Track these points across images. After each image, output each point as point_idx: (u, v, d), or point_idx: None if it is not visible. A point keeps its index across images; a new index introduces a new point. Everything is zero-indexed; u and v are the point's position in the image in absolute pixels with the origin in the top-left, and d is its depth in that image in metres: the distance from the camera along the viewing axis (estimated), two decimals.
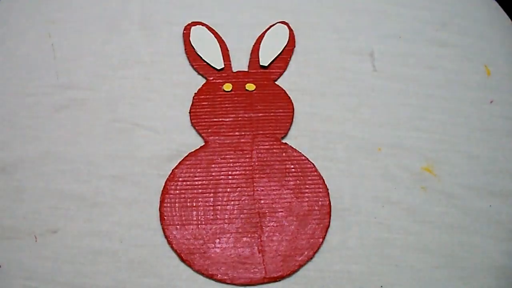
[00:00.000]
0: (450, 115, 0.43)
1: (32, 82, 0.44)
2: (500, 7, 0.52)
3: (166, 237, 0.36)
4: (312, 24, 0.48)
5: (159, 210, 0.37)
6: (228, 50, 0.46)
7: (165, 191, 0.38)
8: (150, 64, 0.45)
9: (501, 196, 0.39)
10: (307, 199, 0.38)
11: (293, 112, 0.42)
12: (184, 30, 0.47)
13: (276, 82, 0.44)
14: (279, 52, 0.46)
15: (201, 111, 0.42)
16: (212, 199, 0.38)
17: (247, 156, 0.40)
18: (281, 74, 0.44)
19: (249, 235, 0.36)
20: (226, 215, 0.37)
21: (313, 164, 0.40)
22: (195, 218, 0.37)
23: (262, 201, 0.38)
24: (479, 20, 0.50)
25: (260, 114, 0.42)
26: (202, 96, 0.43)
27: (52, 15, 0.48)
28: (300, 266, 0.35)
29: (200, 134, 0.41)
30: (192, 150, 0.40)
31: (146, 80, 0.44)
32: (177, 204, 0.38)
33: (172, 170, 0.39)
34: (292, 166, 0.39)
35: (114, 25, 0.47)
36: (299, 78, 0.44)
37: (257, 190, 0.38)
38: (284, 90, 0.43)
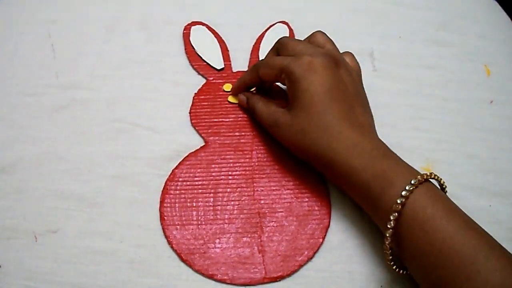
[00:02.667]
0: (450, 115, 0.44)
1: (32, 82, 0.44)
2: (500, 7, 0.52)
3: (166, 237, 0.36)
4: (312, 24, 0.48)
5: (159, 210, 0.37)
6: (228, 50, 0.46)
7: (165, 191, 0.38)
8: (150, 64, 0.45)
9: (501, 196, 0.39)
10: (307, 199, 0.38)
11: None
12: (184, 30, 0.47)
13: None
14: None
15: (201, 111, 0.42)
16: (212, 199, 0.38)
17: (247, 156, 0.40)
18: None
19: (249, 235, 0.36)
20: (226, 215, 0.37)
21: None
22: (195, 218, 0.37)
23: (262, 201, 0.38)
24: (479, 20, 0.50)
25: None
26: (202, 96, 0.43)
27: (52, 15, 0.48)
28: (300, 266, 0.35)
29: (200, 134, 0.41)
30: (192, 150, 0.40)
31: (146, 80, 0.44)
32: (177, 204, 0.38)
33: (172, 170, 0.39)
34: (292, 166, 0.39)
35: (114, 25, 0.47)
36: None
37: (257, 190, 0.38)
38: (284, 90, 0.43)
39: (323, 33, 0.40)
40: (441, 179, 0.34)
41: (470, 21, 0.50)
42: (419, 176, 0.32)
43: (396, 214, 0.31)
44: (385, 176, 0.32)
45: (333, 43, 0.40)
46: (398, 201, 0.31)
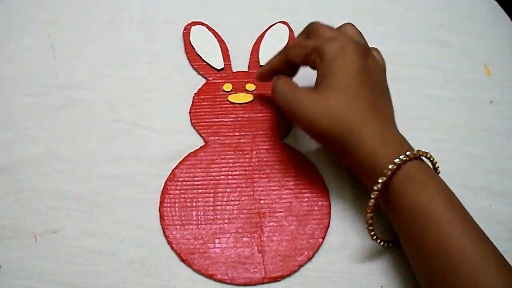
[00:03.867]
0: (450, 115, 0.44)
1: (32, 82, 0.44)
2: (500, 7, 0.52)
3: (166, 237, 0.36)
4: None
5: (159, 210, 0.37)
6: (228, 50, 0.46)
7: (165, 191, 0.38)
8: (150, 64, 0.45)
9: (501, 196, 0.39)
10: (307, 199, 0.38)
11: None
12: (184, 30, 0.47)
13: None
14: None
15: (201, 111, 0.42)
16: (212, 199, 0.38)
17: (247, 156, 0.40)
18: None
19: (249, 235, 0.36)
20: (226, 215, 0.37)
21: (313, 164, 0.40)
22: (195, 218, 0.37)
23: (262, 201, 0.38)
24: (479, 20, 0.50)
25: (260, 114, 0.42)
26: (202, 96, 0.43)
27: (52, 15, 0.48)
28: (300, 266, 0.35)
29: (200, 134, 0.41)
30: (192, 150, 0.40)
31: (146, 80, 0.44)
32: (177, 204, 0.38)
33: (172, 170, 0.39)
34: (292, 166, 0.39)
35: (114, 25, 0.47)
36: (299, 78, 0.44)
37: (257, 190, 0.38)
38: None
39: (354, 25, 0.39)
40: (436, 162, 0.35)
41: (470, 21, 0.50)
42: (408, 152, 0.32)
43: (385, 178, 0.32)
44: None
45: (363, 36, 0.39)
46: (390, 167, 0.32)
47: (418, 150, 0.33)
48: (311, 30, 0.38)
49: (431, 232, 0.30)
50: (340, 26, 0.39)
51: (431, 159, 0.34)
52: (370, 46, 0.47)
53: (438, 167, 0.35)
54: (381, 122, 0.34)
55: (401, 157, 0.32)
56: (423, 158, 0.34)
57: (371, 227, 0.34)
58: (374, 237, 0.34)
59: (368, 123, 0.34)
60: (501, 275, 0.29)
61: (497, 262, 0.30)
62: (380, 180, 0.32)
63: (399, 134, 0.35)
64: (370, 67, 0.36)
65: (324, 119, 0.34)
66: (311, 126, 0.35)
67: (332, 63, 0.35)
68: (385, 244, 0.35)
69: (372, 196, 0.32)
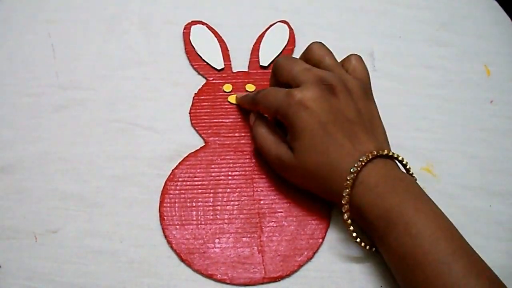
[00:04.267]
0: (450, 115, 0.44)
1: (32, 82, 0.44)
2: (500, 7, 0.52)
3: (166, 237, 0.36)
4: (312, 24, 0.49)
5: (159, 210, 0.37)
6: (228, 50, 0.46)
7: (165, 191, 0.38)
8: (150, 64, 0.45)
9: (501, 196, 0.39)
10: (306, 199, 0.38)
11: None
12: (184, 29, 0.47)
13: None
14: (279, 52, 0.46)
15: (201, 111, 0.42)
16: (212, 199, 0.38)
17: (247, 156, 0.40)
18: None
19: (248, 235, 0.37)
20: (226, 215, 0.37)
21: None
22: (194, 218, 0.37)
23: (261, 202, 0.38)
24: (479, 20, 0.50)
25: None
26: (202, 97, 0.43)
27: (52, 15, 0.48)
28: (300, 266, 0.35)
29: (200, 135, 0.41)
30: (192, 151, 0.40)
31: (146, 80, 0.44)
32: (177, 204, 0.38)
33: (172, 170, 0.39)
34: None
35: (114, 25, 0.47)
36: None
37: (257, 191, 0.38)
38: None
39: (321, 45, 0.38)
40: (402, 159, 0.35)
41: (470, 21, 0.50)
42: (368, 153, 0.33)
43: (348, 190, 0.33)
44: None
45: (332, 55, 0.38)
46: (348, 178, 0.33)
47: (373, 152, 0.33)
48: (276, 70, 0.38)
49: (400, 236, 0.31)
50: (307, 50, 0.38)
51: (402, 160, 0.35)
52: (369, 46, 0.47)
53: (409, 168, 0.36)
54: (358, 148, 0.34)
55: (356, 164, 0.33)
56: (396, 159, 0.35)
57: (358, 239, 0.34)
58: (362, 244, 0.34)
59: (344, 162, 0.34)
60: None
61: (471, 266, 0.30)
62: (344, 194, 0.33)
63: (381, 173, 0.33)
64: (340, 105, 0.34)
65: (307, 180, 0.36)
66: (297, 184, 0.37)
67: (294, 126, 0.35)
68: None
69: (343, 210, 0.33)
